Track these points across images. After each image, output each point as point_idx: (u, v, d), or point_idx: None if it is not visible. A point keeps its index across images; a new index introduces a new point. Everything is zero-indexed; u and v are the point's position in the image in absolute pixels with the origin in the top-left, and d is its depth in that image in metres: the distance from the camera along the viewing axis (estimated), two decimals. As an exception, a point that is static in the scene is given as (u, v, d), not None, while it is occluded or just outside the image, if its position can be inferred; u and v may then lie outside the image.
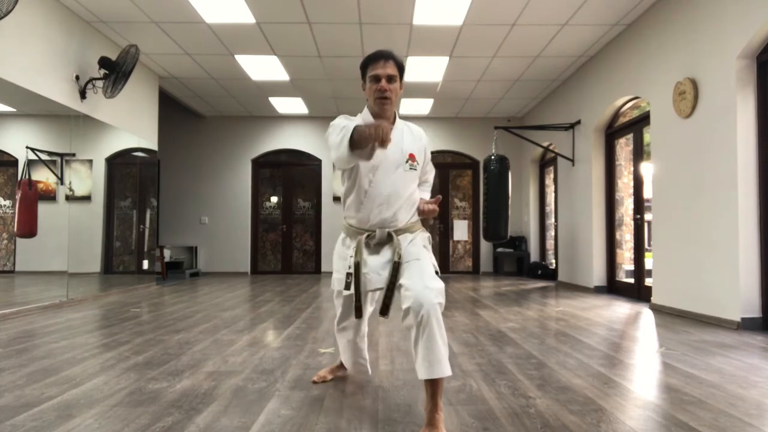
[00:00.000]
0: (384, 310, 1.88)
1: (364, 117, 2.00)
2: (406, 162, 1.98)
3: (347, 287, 1.94)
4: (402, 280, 1.82)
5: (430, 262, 1.91)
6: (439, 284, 1.77)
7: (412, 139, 2.05)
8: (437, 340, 1.67)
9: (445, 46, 5.95)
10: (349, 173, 1.99)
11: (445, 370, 1.67)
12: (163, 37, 5.74)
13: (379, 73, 1.92)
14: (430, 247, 2.03)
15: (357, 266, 1.92)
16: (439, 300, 1.72)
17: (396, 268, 1.86)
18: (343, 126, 1.80)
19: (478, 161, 9.19)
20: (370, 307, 2.22)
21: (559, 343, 3.18)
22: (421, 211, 2.05)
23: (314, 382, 2.29)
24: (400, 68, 1.98)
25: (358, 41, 5.81)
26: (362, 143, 1.70)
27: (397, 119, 2.05)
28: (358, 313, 1.97)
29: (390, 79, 1.93)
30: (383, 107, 1.95)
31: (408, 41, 5.81)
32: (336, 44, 5.91)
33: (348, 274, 1.94)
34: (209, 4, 4.94)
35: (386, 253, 1.94)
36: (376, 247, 1.97)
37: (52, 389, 2.18)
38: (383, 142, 1.62)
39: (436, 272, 1.91)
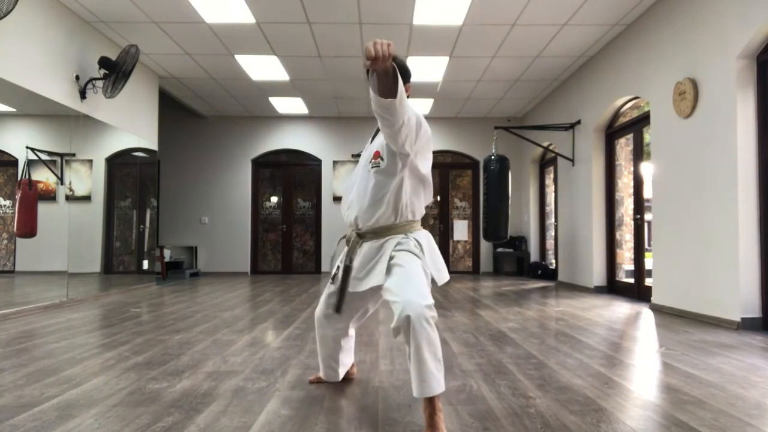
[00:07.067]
0: (336, 307, 2.03)
1: None
2: (370, 162, 1.92)
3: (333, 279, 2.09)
4: (387, 295, 1.78)
5: (412, 271, 1.78)
6: (424, 296, 1.68)
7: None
8: (425, 357, 1.63)
9: (445, 46, 5.95)
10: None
11: (434, 389, 1.64)
12: (163, 37, 5.74)
13: None
14: (418, 252, 1.87)
15: (332, 261, 2.13)
16: (431, 314, 1.65)
17: (346, 271, 1.96)
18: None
19: (478, 161, 9.19)
20: (354, 324, 2.21)
21: (559, 343, 3.18)
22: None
23: (310, 382, 2.29)
24: (403, 71, 1.81)
25: (358, 41, 5.81)
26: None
27: None
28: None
29: None
30: None
31: (408, 41, 5.81)
32: (336, 44, 5.91)
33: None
34: (209, 4, 4.94)
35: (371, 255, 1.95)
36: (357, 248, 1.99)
37: (52, 389, 2.17)
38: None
39: (431, 279, 1.87)
